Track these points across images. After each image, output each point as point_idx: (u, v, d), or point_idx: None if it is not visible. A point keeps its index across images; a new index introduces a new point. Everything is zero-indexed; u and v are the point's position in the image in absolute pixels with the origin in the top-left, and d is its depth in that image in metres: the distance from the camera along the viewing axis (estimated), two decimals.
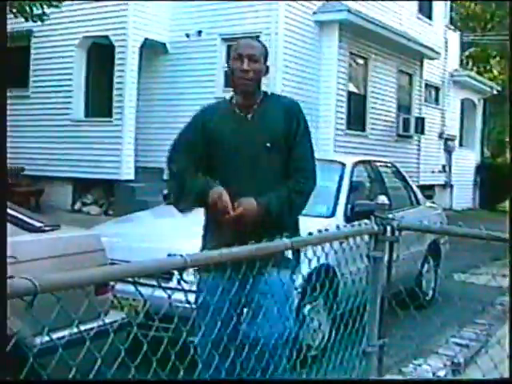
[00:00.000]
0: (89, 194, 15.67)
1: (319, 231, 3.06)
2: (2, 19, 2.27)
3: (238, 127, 3.62)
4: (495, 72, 34.08)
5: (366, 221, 3.84)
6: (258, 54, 3.62)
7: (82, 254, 4.04)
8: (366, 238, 3.56)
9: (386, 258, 3.61)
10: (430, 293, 8.77)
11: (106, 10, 15.16)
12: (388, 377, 4.37)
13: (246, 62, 3.54)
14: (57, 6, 12.04)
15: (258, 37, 4.12)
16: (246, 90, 3.61)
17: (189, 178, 3.57)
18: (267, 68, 3.72)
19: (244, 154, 3.56)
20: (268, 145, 3.55)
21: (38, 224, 4.08)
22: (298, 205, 3.65)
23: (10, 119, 13.26)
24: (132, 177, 15.05)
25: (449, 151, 23.69)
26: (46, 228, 4.10)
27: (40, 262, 3.75)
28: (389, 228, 3.55)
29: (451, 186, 23.76)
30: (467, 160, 25.51)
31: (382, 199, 3.65)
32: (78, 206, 15.60)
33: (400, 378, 4.98)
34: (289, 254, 3.30)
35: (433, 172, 22.20)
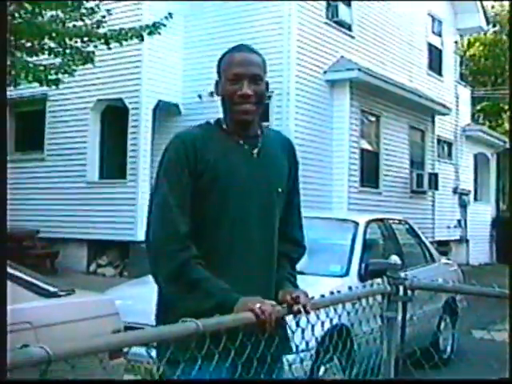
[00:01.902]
0: (104, 255, 15.70)
1: (331, 293, 3.06)
2: (2, 19, 2.33)
3: (246, 165, 2.81)
4: (507, 126, 34.16)
5: (378, 280, 3.84)
6: (260, 71, 2.85)
7: (96, 319, 4.06)
8: (379, 297, 3.57)
9: (399, 317, 3.61)
10: (448, 351, 8.68)
11: (119, 74, 15.41)
12: None
13: (246, 84, 2.77)
14: (71, 74, 12.24)
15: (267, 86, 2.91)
16: (247, 120, 2.82)
17: (195, 273, 2.62)
18: (267, 84, 2.92)
19: (255, 201, 2.79)
20: (280, 190, 2.86)
21: (53, 289, 4.11)
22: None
23: (26, 181, 13.52)
24: None
25: (464, 206, 23.64)
26: (61, 293, 4.12)
27: (55, 327, 3.77)
28: (401, 288, 3.56)
29: (467, 241, 23.64)
30: (482, 214, 25.42)
31: (395, 259, 3.68)
32: (93, 267, 15.63)
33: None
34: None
35: (448, 227, 22.12)
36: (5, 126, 2.02)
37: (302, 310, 2.64)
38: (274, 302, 2.56)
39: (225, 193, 2.74)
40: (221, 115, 2.92)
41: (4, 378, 1.64)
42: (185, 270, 2.60)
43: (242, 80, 2.77)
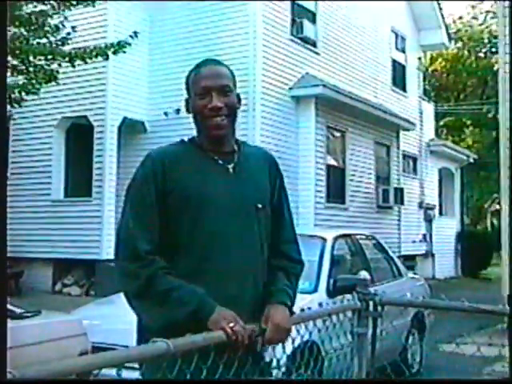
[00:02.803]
0: (69, 274, 15.54)
1: (302, 310, 3.05)
2: (2, 19, 2.29)
3: (221, 181, 2.72)
4: (469, 141, 34.58)
5: (348, 296, 3.83)
6: (229, 82, 2.77)
7: (63, 340, 4.00)
8: (349, 313, 3.56)
9: (369, 333, 3.61)
10: (416, 366, 8.71)
11: (84, 91, 15.33)
12: None
13: (215, 96, 2.69)
14: (35, 93, 12.15)
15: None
16: (220, 135, 2.74)
17: (164, 284, 2.54)
18: (239, 97, 2.84)
19: (232, 217, 2.68)
20: (259, 206, 2.74)
21: (19, 310, 4.04)
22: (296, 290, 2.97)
23: None
24: (112, 256, 14.92)
25: (429, 220, 23.82)
26: (27, 314, 4.06)
27: (22, 349, 3.70)
28: (371, 303, 3.56)
29: (433, 255, 23.80)
30: (448, 228, 25.63)
31: (364, 274, 3.68)
32: (58, 287, 15.45)
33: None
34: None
35: (414, 242, 22.26)
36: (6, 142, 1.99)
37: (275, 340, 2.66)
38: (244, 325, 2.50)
39: (198, 210, 2.64)
40: (186, 133, 2.87)
41: (4, 378, 1.60)
42: (151, 283, 2.52)
43: (210, 93, 2.70)
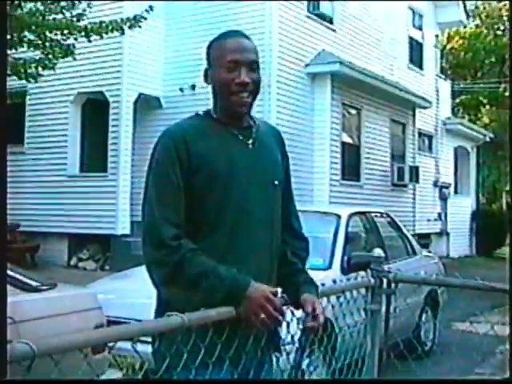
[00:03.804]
0: (85, 249, 15.63)
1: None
2: (2, 19, 2.30)
3: (243, 157, 2.66)
4: (486, 120, 34.36)
5: (362, 273, 3.84)
6: (257, 59, 2.71)
7: (78, 313, 4.03)
8: (363, 290, 3.57)
9: (383, 310, 3.62)
10: (429, 343, 8.73)
11: (100, 66, 15.32)
12: None
13: (243, 71, 2.60)
14: (52, 68, 12.15)
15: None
16: (242, 111, 2.68)
17: (194, 266, 2.47)
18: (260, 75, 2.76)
19: (255, 193, 2.64)
20: (276, 182, 2.73)
21: (35, 283, 4.08)
22: None
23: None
24: (128, 231, 15.03)
25: (444, 199, 23.75)
26: (43, 287, 4.09)
27: (37, 321, 3.74)
28: (385, 281, 3.57)
29: (447, 234, 23.75)
30: (463, 207, 25.55)
31: (378, 252, 3.68)
32: (74, 261, 15.55)
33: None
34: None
35: (428, 220, 22.22)
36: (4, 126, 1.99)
37: (317, 328, 2.65)
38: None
39: (225, 187, 2.58)
40: (201, 108, 2.81)
41: (4, 378, 1.62)
42: (180, 269, 2.45)
43: (238, 67, 2.61)
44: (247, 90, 2.62)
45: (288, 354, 3.11)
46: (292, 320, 2.85)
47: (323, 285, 3.16)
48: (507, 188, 37.03)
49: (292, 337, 2.98)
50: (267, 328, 2.44)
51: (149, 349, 2.47)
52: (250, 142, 2.70)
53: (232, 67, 2.60)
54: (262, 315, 2.39)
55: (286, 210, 2.86)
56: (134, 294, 6.10)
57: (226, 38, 2.70)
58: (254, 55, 2.68)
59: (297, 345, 3.46)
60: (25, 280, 4.06)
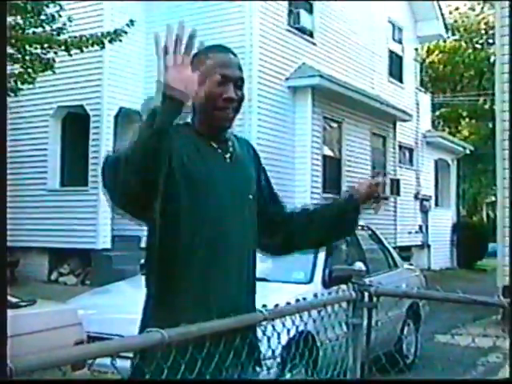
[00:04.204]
0: (65, 263, 15.55)
1: (297, 300, 3.05)
2: (2, 19, 2.27)
3: (221, 169, 2.65)
4: (466, 132, 34.58)
5: (343, 287, 3.83)
6: (242, 76, 2.71)
7: (58, 329, 4.00)
8: (344, 304, 3.56)
9: (364, 323, 3.61)
10: (411, 356, 8.73)
11: (80, 80, 15.29)
12: None
13: (232, 87, 2.61)
14: (31, 82, 12.11)
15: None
16: (225, 126, 2.68)
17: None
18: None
19: (231, 207, 2.63)
20: (250, 196, 2.73)
21: (14, 300, 4.04)
22: None
23: None
24: (109, 245, 14.97)
25: (425, 211, 23.86)
26: (22, 304, 4.05)
27: (16, 338, 3.70)
28: (366, 294, 3.56)
29: (428, 246, 23.84)
30: (443, 220, 25.66)
31: (359, 265, 3.69)
32: (54, 276, 15.46)
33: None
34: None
35: (410, 233, 22.29)
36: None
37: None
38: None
39: (202, 195, 2.55)
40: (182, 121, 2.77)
41: (4, 378, 1.60)
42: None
43: (227, 83, 2.60)
44: (232, 107, 2.62)
45: (269, 368, 3.09)
46: (272, 334, 2.84)
47: (304, 299, 3.15)
48: (487, 200, 37.24)
49: (273, 351, 2.97)
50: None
51: (128, 364, 2.45)
52: (228, 155, 2.69)
53: (221, 82, 2.59)
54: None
55: (280, 206, 2.97)
56: (114, 309, 6.07)
57: (215, 52, 2.69)
58: (241, 72, 2.69)
59: (278, 359, 3.45)
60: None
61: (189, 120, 2.75)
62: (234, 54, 2.75)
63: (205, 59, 2.65)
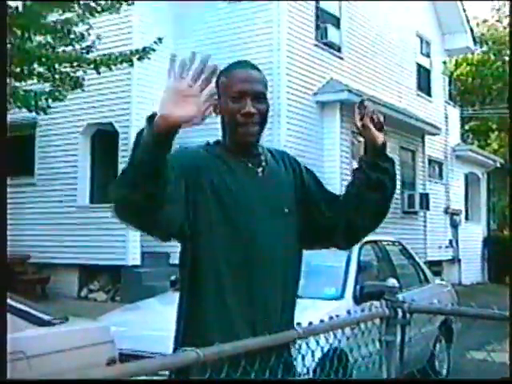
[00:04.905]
0: (95, 280, 15.60)
1: (330, 318, 3.02)
2: (2, 19, 2.29)
3: (252, 185, 2.65)
4: (495, 145, 34.31)
5: (375, 303, 3.80)
6: (264, 90, 2.70)
7: (91, 347, 4.00)
8: (377, 321, 3.53)
9: (397, 340, 3.57)
10: (444, 373, 8.65)
11: (109, 97, 15.41)
12: None
13: (249, 102, 2.60)
14: (61, 100, 12.21)
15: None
16: (250, 141, 2.66)
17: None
18: (268, 104, 2.73)
19: (265, 222, 2.61)
20: (286, 210, 2.70)
21: (47, 317, 4.05)
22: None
23: (16, 206, 13.35)
24: (138, 262, 15.00)
25: (455, 226, 23.66)
26: (55, 321, 4.07)
27: (49, 356, 3.71)
28: (400, 311, 3.52)
29: (459, 261, 23.63)
30: (474, 234, 25.45)
31: (392, 282, 3.64)
32: (84, 292, 15.52)
33: None
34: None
35: (440, 247, 22.11)
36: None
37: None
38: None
39: (233, 210, 2.57)
40: (212, 137, 2.82)
41: (4, 378, 1.60)
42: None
43: (245, 98, 2.60)
44: (253, 121, 2.61)
45: None
46: (307, 352, 2.82)
47: (337, 316, 3.13)
48: None
49: (307, 369, 2.94)
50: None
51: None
52: (260, 169, 2.68)
53: (238, 97, 2.60)
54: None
55: (331, 196, 2.96)
56: (146, 326, 6.06)
57: (233, 69, 2.70)
58: (261, 85, 2.67)
59: (311, 376, 3.42)
60: (36, 314, 4.03)
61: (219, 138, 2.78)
62: (256, 68, 2.76)
63: (224, 76, 2.67)
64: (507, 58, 33.64)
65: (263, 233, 2.60)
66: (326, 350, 3.09)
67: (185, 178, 2.49)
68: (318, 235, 2.86)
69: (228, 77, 2.66)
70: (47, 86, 12.37)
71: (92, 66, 12.19)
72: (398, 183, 18.99)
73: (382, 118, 2.84)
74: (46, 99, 11.95)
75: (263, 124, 2.69)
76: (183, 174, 2.49)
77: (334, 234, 2.88)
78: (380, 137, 2.84)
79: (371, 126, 2.82)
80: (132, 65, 12.75)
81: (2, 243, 1.99)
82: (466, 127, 33.36)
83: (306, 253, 2.96)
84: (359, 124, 2.84)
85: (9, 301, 3.85)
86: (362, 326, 3.35)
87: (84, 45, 12.46)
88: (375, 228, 2.99)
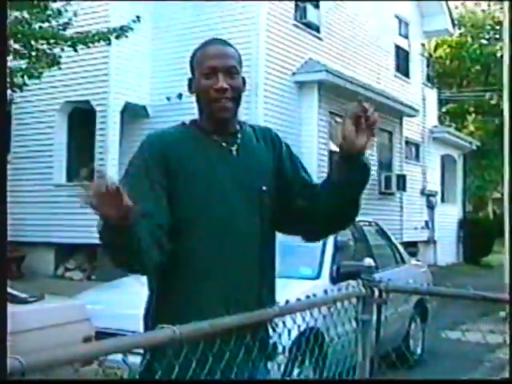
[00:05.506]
0: (71, 259, 15.55)
1: (307, 297, 3.03)
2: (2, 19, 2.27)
3: (225, 165, 2.63)
4: (472, 128, 34.49)
5: (352, 283, 3.82)
6: (236, 64, 2.65)
7: (67, 325, 3.99)
8: (354, 300, 3.55)
9: (374, 319, 3.59)
10: (418, 352, 8.72)
11: (86, 75, 15.28)
12: None
13: (221, 77, 2.57)
14: (38, 78, 12.09)
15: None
16: (224, 117, 2.63)
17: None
18: (244, 80, 2.71)
19: (237, 201, 2.59)
20: (264, 188, 2.65)
21: (22, 295, 4.03)
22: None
23: None
24: None
25: (431, 207, 23.81)
26: (31, 299, 4.05)
27: (26, 334, 3.69)
28: (376, 290, 3.54)
29: (434, 242, 23.80)
30: (449, 215, 25.61)
31: (369, 261, 3.67)
32: (60, 271, 15.47)
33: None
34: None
35: (416, 228, 22.25)
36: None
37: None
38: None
39: (204, 194, 2.55)
40: (188, 118, 2.79)
41: (4, 378, 1.59)
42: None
43: (216, 73, 2.58)
44: (227, 97, 2.59)
45: (279, 364, 3.08)
46: (283, 331, 2.83)
47: (315, 295, 3.14)
48: (493, 196, 37.19)
49: (283, 348, 2.95)
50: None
51: (137, 359, 2.44)
52: (234, 148, 2.66)
53: (210, 74, 2.59)
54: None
55: (308, 182, 2.82)
56: (123, 304, 6.05)
57: (206, 46, 2.69)
58: (233, 60, 2.64)
59: (287, 355, 3.44)
60: (12, 292, 4.01)
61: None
62: (228, 44, 2.73)
63: (197, 54, 2.68)
64: (484, 41, 33.79)
65: (237, 214, 2.58)
66: (302, 328, 3.10)
67: (155, 166, 2.54)
68: (286, 218, 2.78)
69: (200, 55, 2.66)
70: (23, 63, 12.24)
71: (69, 43, 12.07)
72: (376, 164, 19.09)
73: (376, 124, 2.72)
74: (22, 76, 11.83)
75: (238, 100, 2.66)
76: (153, 162, 2.54)
77: (298, 223, 2.80)
78: (368, 145, 2.65)
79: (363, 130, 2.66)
80: (110, 43, 12.64)
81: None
82: (444, 109, 33.47)
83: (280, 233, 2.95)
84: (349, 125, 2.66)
85: None
86: (339, 305, 3.36)
87: (61, 21, 12.32)
88: (336, 232, 2.95)
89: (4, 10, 2.22)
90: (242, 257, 2.59)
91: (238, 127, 2.73)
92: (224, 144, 2.64)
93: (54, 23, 12.25)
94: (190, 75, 2.75)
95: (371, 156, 18.98)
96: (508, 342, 4.26)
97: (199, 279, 2.54)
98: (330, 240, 7.33)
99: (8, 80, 11.58)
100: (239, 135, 2.71)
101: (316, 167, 16.13)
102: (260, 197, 2.65)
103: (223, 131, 2.66)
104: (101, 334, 4.47)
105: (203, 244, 2.56)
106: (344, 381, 3.58)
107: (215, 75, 2.58)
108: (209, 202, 2.55)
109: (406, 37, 22.95)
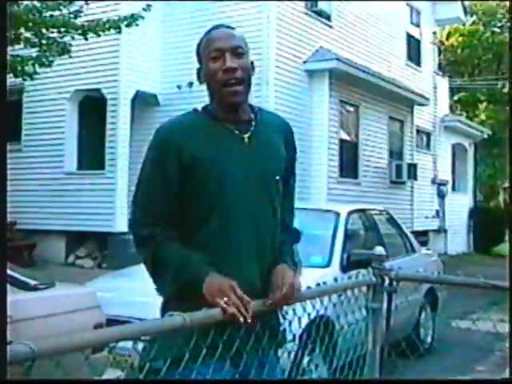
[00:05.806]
0: (82, 247, 15.59)
1: (317, 284, 3.03)
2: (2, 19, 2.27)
3: (237, 153, 2.59)
4: (483, 117, 34.34)
5: (362, 271, 3.81)
6: (242, 44, 2.63)
7: (77, 312, 4.00)
8: (364, 289, 3.54)
9: (384, 308, 3.59)
10: (429, 341, 8.71)
11: (97, 64, 15.27)
12: None
13: (228, 57, 2.55)
14: (49, 66, 12.09)
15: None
16: (235, 101, 2.59)
17: (167, 253, 2.53)
18: (253, 64, 2.68)
19: (251, 191, 2.57)
20: (277, 177, 2.65)
21: (33, 282, 4.05)
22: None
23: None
24: (126, 229, 14.95)
25: (442, 196, 23.75)
26: (41, 286, 4.06)
27: (36, 321, 3.71)
28: (387, 279, 3.54)
29: (445, 231, 23.75)
30: (460, 204, 25.55)
31: (379, 250, 3.64)
32: (71, 259, 15.51)
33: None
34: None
35: (426, 217, 22.21)
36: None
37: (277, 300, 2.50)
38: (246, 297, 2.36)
39: (217, 184, 2.52)
40: (200, 105, 2.77)
41: (4, 378, 1.59)
42: (154, 254, 2.57)
43: (223, 54, 2.55)
44: (237, 77, 2.55)
45: (289, 352, 3.08)
46: (293, 319, 2.83)
47: (325, 283, 3.13)
48: (504, 185, 37.05)
49: (294, 336, 2.95)
50: (234, 318, 2.29)
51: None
52: (247, 136, 2.61)
53: (216, 56, 2.56)
54: (223, 301, 2.30)
55: (290, 205, 2.85)
56: (133, 292, 6.06)
57: (209, 32, 2.67)
58: (238, 40, 2.62)
59: (297, 342, 3.44)
60: (23, 279, 4.03)
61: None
62: (231, 28, 2.72)
63: (202, 41, 2.67)
64: (496, 30, 33.60)
65: (247, 202, 2.56)
66: (312, 316, 3.10)
67: (170, 163, 2.55)
68: None
69: (205, 41, 2.65)
70: (34, 52, 12.25)
71: (79, 31, 12.06)
72: (386, 152, 19.04)
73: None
74: (33, 65, 11.84)
75: (248, 82, 2.62)
76: (168, 160, 2.56)
77: None
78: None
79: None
80: (120, 31, 12.61)
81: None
82: (455, 98, 33.34)
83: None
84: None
85: None
86: (349, 293, 3.37)
87: (72, 9, 12.31)
88: None
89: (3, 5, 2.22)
90: (255, 245, 2.59)
91: (251, 114, 2.69)
92: (236, 132, 2.60)
93: (64, 11, 12.25)
94: (197, 63, 2.74)
95: (382, 145, 18.96)
96: None
97: (215, 265, 2.51)
98: (341, 228, 7.32)
99: (19, 68, 11.60)
100: (253, 122, 2.66)
101: (327, 155, 16.12)
102: (272, 185, 2.64)
103: (235, 117, 2.62)
104: (111, 322, 4.48)
105: (217, 234, 2.55)
106: (344, 381, 3.58)
107: (222, 57, 2.55)
108: (221, 191, 2.53)
109: (418, 25, 22.82)
